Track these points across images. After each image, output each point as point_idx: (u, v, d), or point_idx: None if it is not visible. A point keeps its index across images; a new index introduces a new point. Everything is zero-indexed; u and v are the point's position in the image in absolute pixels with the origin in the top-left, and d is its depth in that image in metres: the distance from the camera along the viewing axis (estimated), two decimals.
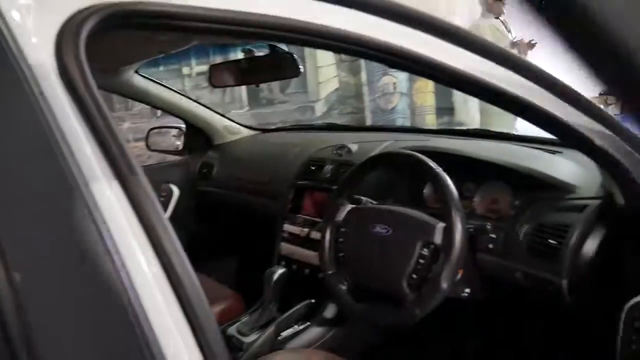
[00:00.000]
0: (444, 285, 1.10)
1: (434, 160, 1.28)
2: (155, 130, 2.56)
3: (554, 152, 1.41)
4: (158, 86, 2.09)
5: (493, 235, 1.25)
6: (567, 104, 0.91)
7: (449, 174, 1.46)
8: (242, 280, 2.23)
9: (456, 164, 1.43)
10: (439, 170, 1.21)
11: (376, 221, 1.27)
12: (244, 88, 4.07)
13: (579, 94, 0.93)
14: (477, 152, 1.40)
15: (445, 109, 5.25)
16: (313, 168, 1.80)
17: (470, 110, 5.10)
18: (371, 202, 1.44)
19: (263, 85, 4.21)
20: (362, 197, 1.44)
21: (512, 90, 0.85)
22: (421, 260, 1.17)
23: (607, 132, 0.97)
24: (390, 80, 4.89)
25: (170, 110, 2.19)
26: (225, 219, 2.38)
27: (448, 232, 1.13)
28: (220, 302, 1.76)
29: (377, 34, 0.74)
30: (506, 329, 1.70)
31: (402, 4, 0.78)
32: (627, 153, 0.99)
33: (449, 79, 0.83)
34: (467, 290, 1.31)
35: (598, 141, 0.95)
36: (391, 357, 1.69)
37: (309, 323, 1.60)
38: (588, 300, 1.15)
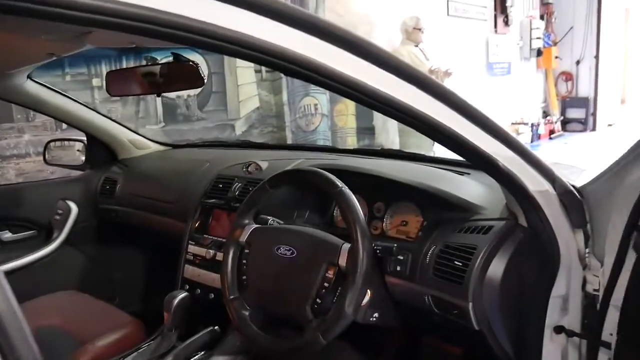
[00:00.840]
0: (349, 310, 1.04)
1: (343, 179, 1.24)
2: (56, 144, 2.37)
3: (462, 174, 1.41)
4: (55, 94, 1.93)
5: (401, 257, 1.21)
6: (475, 127, 0.89)
7: (359, 194, 1.42)
8: (145, 306, 2.08)
9: (367, 184, 1.39)
10: (344, 188, 1.16)
11: (280, 242, 1.20)
12: (159, 103, 3.89)
13: (488, 118, 0.92)
14: (387, 172, 1.38)
15: (365, 129, 5.31)
16: (220, 186, 1.71)
17: (389, 132, 5.18)
18: (278, 222, 1.37)
19: (180, 101, 4.06)
20: (269, 217, 1.37)
21: (421, 110, 0.82)
22: (325, 284, 1.11)
23: (514, 155, 0.96)
24: (311, 101, 4.88)
25: (68, 121, 2.03)
26: (128, 239, 2.23)
27: (353, 254, 1.08)
28: (118, 330, 1.62)
29: (299, 48, 0.69)
30: (424, 354, 1.67)
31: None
32: (531, 177, 0.99)
33: (360, 97, 0.79)
34: (376, 315, 1.26)
35: (503, 164, 0.94)
36: None
37: (210, 352, 1.49)
38: (495, 326, 1.13)
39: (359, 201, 1.41)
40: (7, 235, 1.98)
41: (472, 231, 1.14)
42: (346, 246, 1.11)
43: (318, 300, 1.11)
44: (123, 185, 2.11)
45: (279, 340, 1.15)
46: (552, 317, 1.10)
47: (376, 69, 0.77)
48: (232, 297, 1.26)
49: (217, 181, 1.74)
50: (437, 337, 1.47)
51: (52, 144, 2.29)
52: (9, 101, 1.90)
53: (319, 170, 1.22)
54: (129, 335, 1.63)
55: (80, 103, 2.03)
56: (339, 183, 1.17)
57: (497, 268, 1.09)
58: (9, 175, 3.24)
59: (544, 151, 8.33)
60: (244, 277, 1.26)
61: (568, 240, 1.08)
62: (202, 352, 1.50)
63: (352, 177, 1.40)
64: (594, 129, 9.64)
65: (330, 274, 1.11)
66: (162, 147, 2.33)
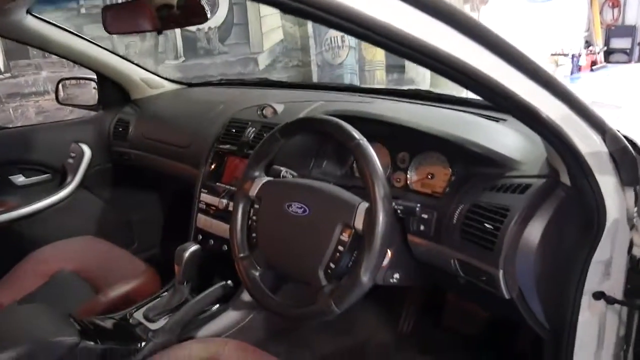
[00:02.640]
0: (365, 278, 0.94)
1: (363, 127, 1.11)
2: (68, 82, 2.28)
3: (497, 120, 1.25)
4: (59, 31, 1.81)
5: (425, 216, 1.10)
6: (512, 69, 0.74)
7: (380, 142, 1.29)
8: (162, 252, 2.04)
9: (390, 131, 1.26)
10: (361, 141, 1.02)
11: (292, 198, 1.09)
12: (179, 36, 3.73)
13: (527, 58, 0.76)
14: (413, 119, 1.23)
15: (395, 66, 5.05)
16: (234, 131, 1.60)
17: (420, 68, 4.93)
18: (292, 174, 1.26)
19: (201, 35, 3.89)
20: (282, 168, 1.26)
21: (446, 50, 0.67)
22: (340, 247, 1.01)
23: (560, 104, 0.81)
24: (338, 32, 4.64)
25: (76, 59, 1.92)
26: (144, 183, 2.16)
27: (370, 216, 0.96)
28: (132, 279, 1.58)
29: None
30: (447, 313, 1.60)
31: None
32: (579, 131, 0.84)
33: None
34: (397, 275, 1.16)
35: (547, 116, 0.80)
36: (312, 341, 1.57)
37: (225, 306, 1.44)
38: (528, 294, 1.02)
39: (380, 150, 1.29)
40: (21, 179, 1.94)
41: (506, 190, 1.01)
42: (363, 206, 1.00)
43: (332, 264, 1.01)
44: (136, 127, 2.02)
45: (289, 305, 1.06)
46: (592, 282, 0.99)
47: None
48: (241, 255, 1.17)
49: (231, 125, 1.62)
50: (463, 298, 1.38)
51: (63, 82, 2.21)
52: (11, 39, 1.79)
53: (334, 119, 1.09)
54: (143, 285, 1.59)
55: (88, 40, 1.91)
56: (357, 135, 1.03)
57: (533, 233, 0.97)
58: (28, 113, 3.20)
59: (584, 84, 7.91)
60: (254, 235, 1.16)
61: (616, 199, 0.94)
62: (216, 306, 1.45)
63: (374, 125, 1.27)
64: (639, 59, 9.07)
65: (345, 236, 1.00)
66: (176, 86, 2.21)
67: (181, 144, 1.78)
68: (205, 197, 1.58)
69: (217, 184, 1.57)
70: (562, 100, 0.82)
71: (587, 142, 0.87)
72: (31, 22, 1.70)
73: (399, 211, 1.08)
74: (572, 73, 8.26)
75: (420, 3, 0.64)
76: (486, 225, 0.99)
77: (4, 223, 1.84)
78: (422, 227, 1.11)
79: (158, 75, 2.16)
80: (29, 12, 1.65)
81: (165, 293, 1.50)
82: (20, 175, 1.94)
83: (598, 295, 1.00)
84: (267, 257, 1.15)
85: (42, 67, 3.18)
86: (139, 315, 1.43)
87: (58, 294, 1.61)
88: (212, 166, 1.61)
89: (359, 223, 0.99)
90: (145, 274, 1.63)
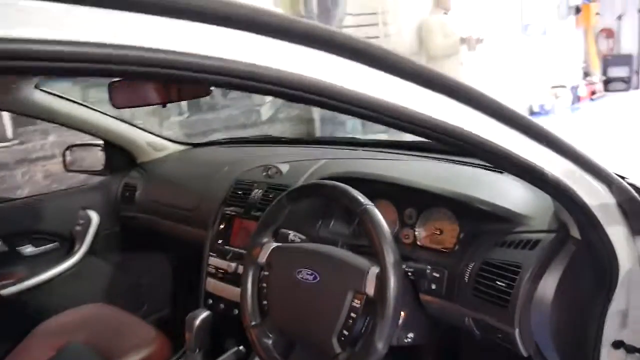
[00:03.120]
0: (379, 345, 0.93)
1: (369, 186, 1.11)
2: (75, 148, 2.31)
3: (500, 171, 1.26)
4: (66, 102, 1.85)
5: (436, 275, 1.09)
6: (510, 129, 0.74)
7: (387, 199, 1.30)
8: (172, 315, 2.02)
9: (396, 188, 1.26)
10: (368, 206, 1.03)
11: (302, 265, 1.09)
12: None
13: (526, 119, 0.77)
14: (417, 178, 1.24)
15: None
16: (240, 193, 1.60)
17: None
18: (300, 237, 1.26)
19: None
20: (289, 232, 1.26)
21: (436, 117, 0.67)
22: (353, 314, 1.00)
23: (564, 161, 0.81)
24: None
25: (82, 128, 1.95)
26: (152, 247, 2.16)
27: (381, 282, 0.95)
28: (143, 348, 1.56)
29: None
30: None
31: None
32: (586, 186, 0.84)
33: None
34: (411, 335, 1.14)
35: (551, 174, 0.80)
36: None
37: None
38: (545, 349, 1.00)
39: (387, 208, 1.29)
40: (30, 249, 1.94)
41: (516, 246, 1.00)
42: (373, 271, 0.99)
43: (345, 331, 1.00)
44: (143, 191, 2.03)
45: None
46: (610, 333, 0.97)
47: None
48: (253, 323, 1.16)
49: (237, 187, 1.63)
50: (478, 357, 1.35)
51: (69, 149, 2.24)
52: (20, 114, 1.83)
53: (339, 185, 1.09)
54: (154, 354, 1.57)
55: (93, 108, 1.95)
56: (363, 200, 1.04)
57: (546, 288, 0.96)
58: (36, 177, 3.23)
59: (585, 114, 7.95)
60: (265, 302, 1.16)
61: (627, 249, 0.93)
62: None
63: (380, 184, 1.27)
64: (638, 86, 9.14)
65: (357, 302, 0.99)
66: (181, 147, 2.24)
67: (188, 206, 1.79)
68: (214, 261, 1.58)
69: (226, 247, 1.57)
70: (566, 157, 0.82)
71: (594, 195, 0.87)
72: (39, 96, 1.74)
73: (409, 273, 1.07)
74: (572, 104, 8.32)
75: (393, 68, 0.63)
76: (498, 283, 0.98)
77: (12, 295, 1.83)
78: (433, 286, 1.10)
79: (162, 137, 2.19)
80: (36, 86, 1.70)
81: None
82: (29, 245, 1.94)
83: (617, 345, 0.98)
84: (279, 324, 1.14)
85: (49, 132, 3.23)
86: None
87: None
88: (220, 229, 1.61)
89: (370, 289, 0.98)
90: (156, 340, 1.61)
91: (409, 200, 1.26)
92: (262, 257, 1.17)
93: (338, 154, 1.68)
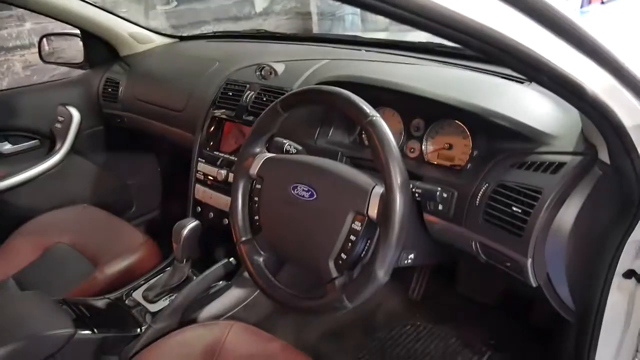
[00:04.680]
0: (380, 273, 0.85)
1: (374, 92, 0.98)
2: (52, 37, 2.12)
3: (521, 81, 1.13)
4: None
5: (444, 195, 0.99)
6: (548, 33, 0.61)
7: (393, 107, 1.17)
8: (160, 219, 1.95)
9: (402, 96, 1.13)
10: (375, 117, 0.90)
11: (297, 180, 0.99)
12: None
13: (568, 19, 0.63)
14: (427, 85, 1.10)
15: None
16: (230, 94, 1.47)
17: None
18: (296, 148, 1.14)
19: None
20: (285, 141, 1.15)
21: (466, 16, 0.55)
22: (352, 237, 0.91)
23: (606, 75, 0.69)
24: None
25: (57, 16, 1.76)
26: (138, 148, 2.05)
27: (386, 205, 0.86)
28: (131, 253, 1.52)
29: None
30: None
31: None
32: (627, 105, 0.73)
33: None
34: (411, 256, 1.07)
35: (590, 88, 0.68)
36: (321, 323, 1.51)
37: (228, 284, 1.36)
38: (556, 279, 0.93)
39: (392, 117, 1.17)
40: (7, 147, 1.82)
41: (536, 168, 0.90)
42: (377, 191, 0.89)
43: (343, 255, 0.92)
44: (126, 88, 1.88)
45: (296, 297, 0.98)
46: (624, 262, 0.90)
47: None
48: (243, 239, 1.08)
49: (227, 87, 1.49)
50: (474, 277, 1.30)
51: (46, 38, 2.05)
52: None
53: (342, 92, 0.96)
54: (142, 259, 1.52)
55: None
56: (369, 111, 0.91)
57: (566, 217, 0.87)
58: (15, 68, 3.04)
59: (594, 18, 7.58)
60: (256, 218, 1.07)
61: None
62: (219, 283, 1.38)
63: (385, 91, 1.14)
64: None
65: (358, 224, 0.90)
66: (167, 40, 2.06)
67: (175, 107, 1.66)
68: (203, 167, 1.48)
69: (215, 152, 1.46)
70: (608, 70, 0.69)
71: (634, 116, 0.75)
72: None
73: (416, 194, 0.97)
74: (581, 7, 7.90)
75: None
76: (514, 208, 0.89)
77: None
78: (440, 207, 1.00)
79: (147, 29, 2.00)
80: None
81: (166, 270, 1.42)
82: (6, 142, 1.82)
83: (629, 274, 0.92)
84: (271, 242, 1.06)
85: (25, 18, 2.99)
86: (137, 295, 1.36)
87: (54, 270, 1.54)
88: (209, 132, 1.50)
89: (372, 211, 0.88)
90: (144, 246, 1.55)
91: (416, 110, 1.14)
92: (254, 169, 1.07)
93: (339, 53, 1.52)
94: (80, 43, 1.98)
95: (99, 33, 1.89)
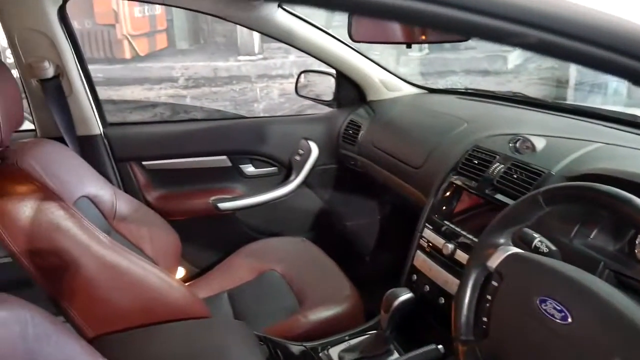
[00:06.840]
0: None
1: None
2: (309, 73, 2.24)
3: None
4: (306, 26, 1.75)
5: None
6: None
7: None
8: (369, 277, 1.89)
9: None
10: None
11: (549, 292, 0.80)
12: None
13: None
14: None
15: None
16: (476, 162, 1.32)
17: None
18: (547, 246, 0.95)
19: None
20: (535, 235, 0.96)
21: None
22: None
23: None
24: None
25: (317, 55, 1.84)
26: (365, 193, 2.03)
27: None
28: (336, 304, 1.48)
29: None
30: None
31: None
32: None
33: None
34: None
35: None
36: None
37: None
38: None
39: None
40: (251, 169, 1.96)
41: None
42: None
43: None
44: (367, 132, 1.87)
45: None
46: None
47: None
48: (463, 338, 0.92)
49: (473, 154, 1.35)
50: None
51: (304, 74, 2.18)
52: (259, 31, 1.78)
53: (626, 196, 0.75)
54: (346, 313, 1.47)
55: (332, 35, 1.82)
56: None
57: None
58: (273, 94, 3.34)
59: None
60: (485, 320, 0.90)
61: None
62: None
63: None
64: None
65: None
66: (415, 90, 2.01)
67: (412, 163, 1.58)
68: (429, 235, 1.35)
69: (445, 222, 1.33)
70: None
71: None
72: (281, 16, 1.66)
73: None
74: None
75: None
76: None
77: (227, 210, 1.88)
78: None
79: (397, 76, 1.98)
80: (279, 5, 1.61)
81: (367, 334, 1.33)
82: (250, 165, 1.96)
83: None
84: (496, 351, 0.88)
85: (290, 51, 3.27)
86: (334, 352, 1.30)
87: (263, 295, 1.59)
88: (443, 200, 1.37)
89: None
90: (350, 299, 1.50)
91: None
92: (494, 262, 0.91)
93: (614, 136, 1.27)
94: (333, 81, 2.05)
95: (352, 75, 1.93)
